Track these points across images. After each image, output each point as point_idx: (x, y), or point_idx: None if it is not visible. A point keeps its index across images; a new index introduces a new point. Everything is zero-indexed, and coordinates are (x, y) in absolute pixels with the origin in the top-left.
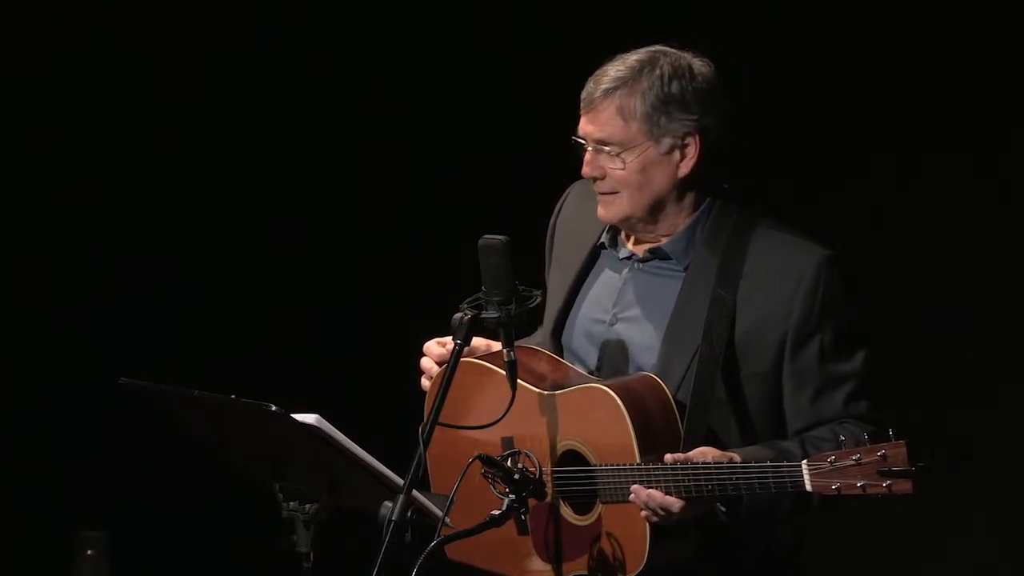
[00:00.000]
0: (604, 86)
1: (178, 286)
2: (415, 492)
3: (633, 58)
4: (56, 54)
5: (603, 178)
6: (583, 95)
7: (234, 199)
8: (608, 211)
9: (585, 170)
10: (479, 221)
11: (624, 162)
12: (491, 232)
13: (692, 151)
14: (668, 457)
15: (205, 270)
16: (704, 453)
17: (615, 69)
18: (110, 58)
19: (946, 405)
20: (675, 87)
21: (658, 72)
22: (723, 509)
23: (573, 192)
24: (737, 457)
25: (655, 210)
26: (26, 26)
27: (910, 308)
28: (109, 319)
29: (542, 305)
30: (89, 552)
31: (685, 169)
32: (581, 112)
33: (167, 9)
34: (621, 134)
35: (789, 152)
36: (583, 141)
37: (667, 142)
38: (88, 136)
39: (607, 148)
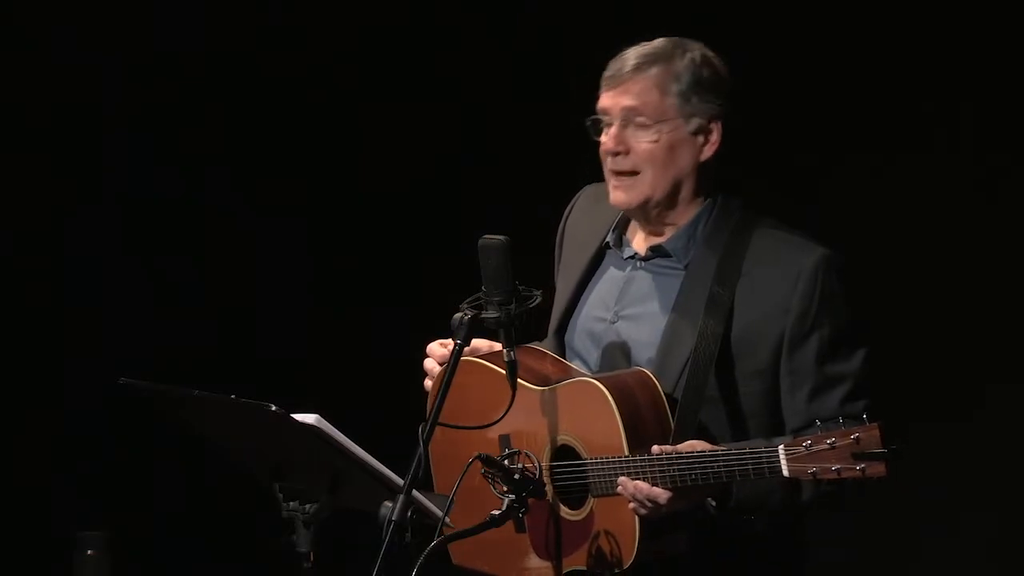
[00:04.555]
0: (637, 60)
1: (179, 285)
2: (415, 492)
3: (662, 40)
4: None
5: (627, 153)
6: (609, 72)
7: (234, 199)
8: (628, 194)
9: (609, 144)
10: (479, 221)
11: (659, 133)
12: (491, 232)
13: (715, 137)
14: (655, 448)
15: (205, 270)
16: (692, 446)
17: (644, 47)
18: (110, 57)
19: (945, 405)
20: (706, 72)
21: (691, 56)
22: (713, 503)
23: (583, 196)
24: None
25: (673, 193)
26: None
27: (909, 308)
28: (110, 318)
29: (547, 306)
30: (89, 552)
31: (708, 153)
32: (605, 89)
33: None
34: (656, 105)
35: (787, 151)
36: (605, 117)
37: (695, 123)
38: (86, 136)
39: (640, 119)
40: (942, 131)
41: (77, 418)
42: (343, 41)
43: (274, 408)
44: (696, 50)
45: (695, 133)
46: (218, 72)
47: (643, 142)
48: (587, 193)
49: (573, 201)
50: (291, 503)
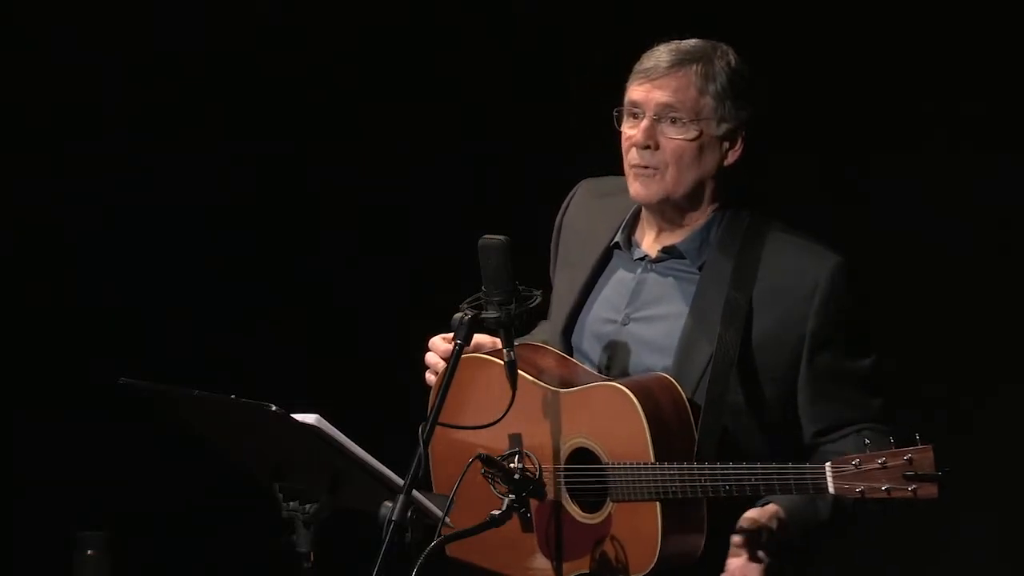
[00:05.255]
0: (676, 56)
1: (179, 286)
2: (415, 492)
3: (696, 40)
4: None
5: (655, 148)
6: (644, 65)
7: (233, 199)
8: (649, 188)
9: (638, 137)
10: (480, 221)
11: (692, 131)
12: (491, 232)
13: (739, 144)
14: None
15: (205, 270)
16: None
17: (680, 44)
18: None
19: (949, 405)
20: (739, 78)
21: (727, 60)
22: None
23: (580, 190)
24: (782, 514)
25: (693, 195)
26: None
27: (913, 308)
28: (111, 318)
29: (544, 303)
30: (89, 552)
31: (731, 159)
32: (639, 82)
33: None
34: (694, 103)
35: (786, 151)
36: (635, 110)
37: (725, 127)
38: (86, 136)
39: (674, 115)
40: (942, 131)
41: (77, 418)
42: (343, 41)
43: (274, 408)
44: (732, 54)
45: (723, 138)
46: (218, 72)
47: (674, 139)
48: (584, 188)
49: (569, 196)
50: (291, 503)
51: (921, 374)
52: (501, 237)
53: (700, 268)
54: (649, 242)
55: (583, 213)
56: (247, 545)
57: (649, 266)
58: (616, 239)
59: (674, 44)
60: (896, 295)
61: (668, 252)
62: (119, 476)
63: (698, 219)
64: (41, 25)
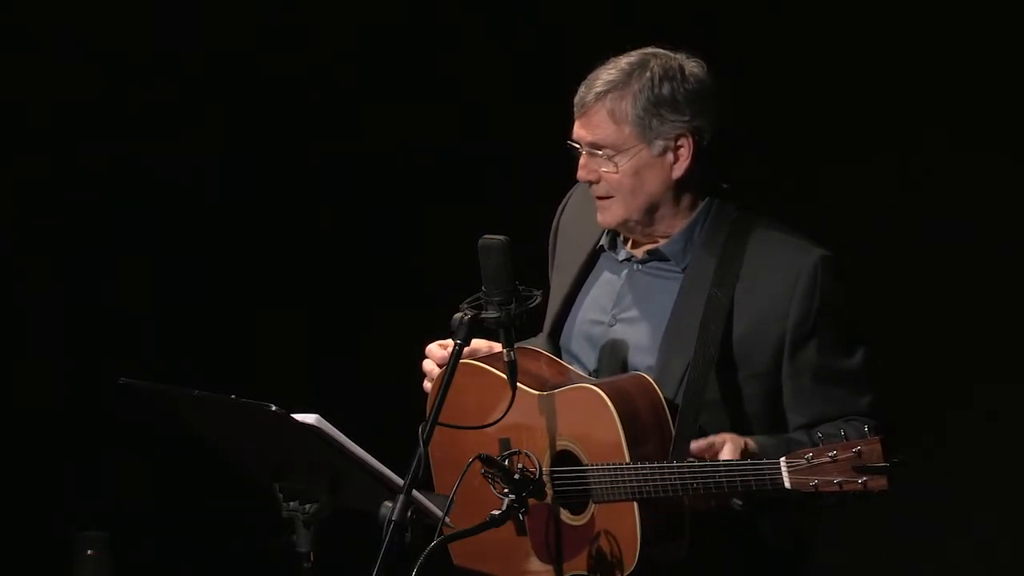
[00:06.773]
0: (596, 90)
1: (179, 285)
2: (415, 492)
3: (624, 61)
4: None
5: (598, 182)
6: (576, 99)
7: (233, 199)
8: (605, 216)
9: (580, 174)
10: (480, 221)
11: (617, 165)
12: (491, 232)
13: (685, 152)
14: (693, 446)
15: (205, 270)
16: (724, 439)
17: (606, 72)
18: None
19: (946, 403)
20: (666, 89)
21: (648, 74)
22: (739, 502)
23: (576, 193)
24: (751, 443)
25: (651, 212)
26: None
27: (908, 306)
28: (111, 318)
29: (543, 305)
30: (89, 552)
31: (679, 171)
32: (575, 116)
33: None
34: (613, 137)
35: (783, 150)
36: (577, 145)
37: (659, 144)
38: (86, 136)
39: (600, 152)
40: (942, 131)
41: (78, 418)
42: (343, 41)
43: (274, 408)
44: (657, 66)
45: (662, 153)
46: (218, 72)
47: (607, 172)
48: (579, 191)
49: (565, 199)
50: (291, 503)
51: (922, 374)
52: (501, 237)
53: (684, 269)
54: (633, 244)
55: (577, 217)
56: (247, 545)
57: (635, 267)
58: (602, 241)
59: (601, 69)
60: (896, 295)
61: (653, 254)
62: (119, 476)
63: (676, 225)
64: (41, 25)
